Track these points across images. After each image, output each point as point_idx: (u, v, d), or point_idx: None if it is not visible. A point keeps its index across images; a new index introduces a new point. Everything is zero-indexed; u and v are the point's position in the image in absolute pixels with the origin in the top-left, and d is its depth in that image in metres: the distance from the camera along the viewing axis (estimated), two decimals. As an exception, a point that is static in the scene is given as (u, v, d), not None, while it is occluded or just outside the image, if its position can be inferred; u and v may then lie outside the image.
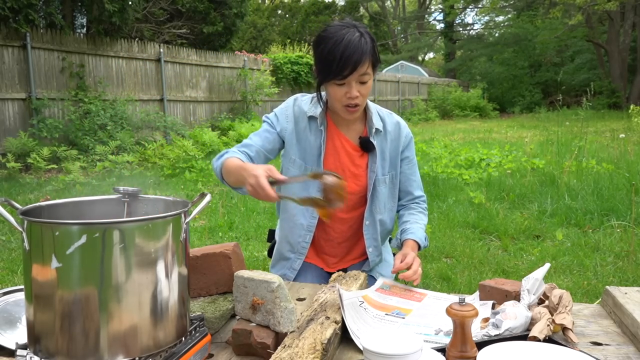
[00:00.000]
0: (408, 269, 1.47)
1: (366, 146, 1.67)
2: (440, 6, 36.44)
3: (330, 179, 1.22)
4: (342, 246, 1.78)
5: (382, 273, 1.81)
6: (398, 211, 1.82)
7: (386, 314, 1.29)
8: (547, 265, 1.25)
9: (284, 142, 1.69)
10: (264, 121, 1.71)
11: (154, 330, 0.91)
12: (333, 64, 1.47)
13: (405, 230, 1.69)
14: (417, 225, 1.70)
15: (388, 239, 1.90)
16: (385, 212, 1.75)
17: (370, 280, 1.71)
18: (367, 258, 1.78)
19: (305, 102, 1.69)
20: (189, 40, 12.72)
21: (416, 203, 1.80)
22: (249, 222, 4.68)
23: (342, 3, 35.47)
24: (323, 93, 1.66)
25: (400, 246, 1.68)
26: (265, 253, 3.74)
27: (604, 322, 1.25)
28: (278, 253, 1.81)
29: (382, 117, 1.72)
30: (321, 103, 1.66)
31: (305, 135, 1.66)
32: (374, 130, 1.66)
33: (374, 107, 1.71)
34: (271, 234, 2.00)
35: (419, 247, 1.65)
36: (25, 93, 7.68)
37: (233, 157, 1.52)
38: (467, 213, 4.80)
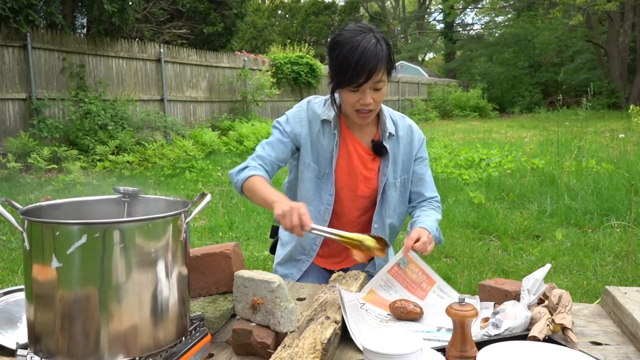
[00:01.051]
0: (417, 241, 1.44)
1: (379, 150, 1.66)
2: (440, 6, 36.44)
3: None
4: (348, 248, 1.77)
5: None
6: (409, 213, 1.77)
7: (388, 314, 1.30)
8: (548, 266, 1.25)
9: (297, 147, 1.67)
10: (275, 127, 1.68)
11: (154, 330, 0.91)
12: (348, 71, 1.45)
13: (414, 222, 1.63)
14: (427, 217, 1.63)
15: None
16: (395, 215, 1.73)
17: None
18: (371, 258, 1.77)
19: (318, 104, 1.67)
20: (189, 41, 12.73)
21: (428, 201, 1.75)
22: (249, 222, 4.68)
23: (342, 3, 35.46)
24: (336, 95, 1.64)
25: None
26: (266, 253, 3.74)
27: (603, 322, 1.25)
28: (288, 254, 1.80)
29: (395, 120, 1.70)
30: (335, 107, 1.64)
31: (318, 139, 1.65)
32: (387, 134, 1.65)
33: (387, 111, 1.69)
34: (274, 230, 2.00)
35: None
36: (25, 93, 7.68)
37: (257, 175, 1.55)
38: (467, 213, 4.80)
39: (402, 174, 1.70)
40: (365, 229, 1.74)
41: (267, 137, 1.72)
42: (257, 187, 1.52)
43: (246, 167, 1.59)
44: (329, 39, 1.63)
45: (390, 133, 1.65)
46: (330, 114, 1.64)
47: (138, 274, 0.88)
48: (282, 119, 1.69)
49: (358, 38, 1.46)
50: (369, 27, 1.51)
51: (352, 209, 1.70)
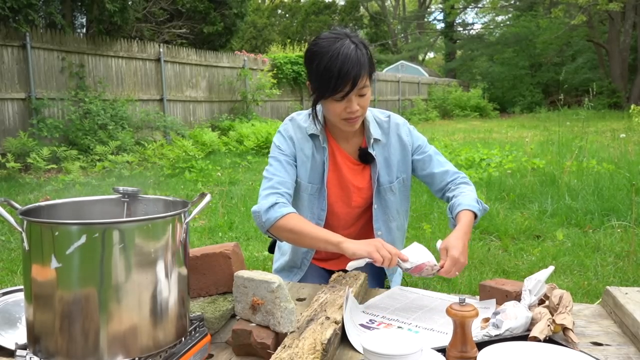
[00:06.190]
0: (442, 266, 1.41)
1: (365, 158, 1.62)
2: (441, 6, 36.44)
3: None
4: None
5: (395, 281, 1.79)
6: (440, 197, 1.69)
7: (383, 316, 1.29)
8: (551, 268, 1.25)
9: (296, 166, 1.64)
10: (279, 151, 1.61)
11: (153, 331, 0.91)
12: (331, 81, 1.40)
13: (452, 206, 1.55)
14: (462, 195, 1.55)
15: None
16: (398, 217, 1.71)
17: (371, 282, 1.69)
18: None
19: (303, 120, 1.63)
20: (189, 40, 12.72)
21: (453, 182, 1.65)
22: (249, 222, 4.68)
23: (342, 3, 35.46)
24: (318, 107, 1.59)
25: (455, 225, 1.53)
26: (265, 253, 3.74)
27: (604, 323, 1.25)
28: (282, 263, 1.79)
29: (380, 123, 1.65)
30: (317, 121, 1.59)
31: (310, 155, 1.61)
32: (372, 140, 1.61)
33: (371, 116, 1.64)
34: None
35: (476, 215, 1.51)
36: (25, 93, 7.67)
37: (292, 212, 1.47)
38: (467, 213, 4.79)
39: (399, 174, 1.66)
40: (362, 234, 1.70)
41: (266, 137, 1.71)
42: (302, 228, 1.44)
43: (275, 203, 1.48)
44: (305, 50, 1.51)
45: (375, 139, 1.61)
46: (317, 127, 1.60)
47: (137, 274, 0.88)
48: (278, 141, 1.63)
49: (336, 45, 1.41)
50: (345, 32, 1.47)
51: (347, 219, 1.68)
